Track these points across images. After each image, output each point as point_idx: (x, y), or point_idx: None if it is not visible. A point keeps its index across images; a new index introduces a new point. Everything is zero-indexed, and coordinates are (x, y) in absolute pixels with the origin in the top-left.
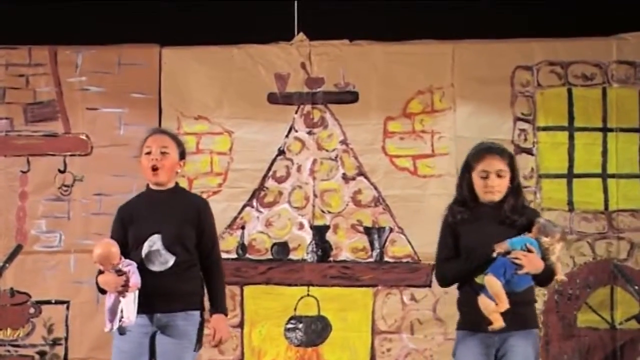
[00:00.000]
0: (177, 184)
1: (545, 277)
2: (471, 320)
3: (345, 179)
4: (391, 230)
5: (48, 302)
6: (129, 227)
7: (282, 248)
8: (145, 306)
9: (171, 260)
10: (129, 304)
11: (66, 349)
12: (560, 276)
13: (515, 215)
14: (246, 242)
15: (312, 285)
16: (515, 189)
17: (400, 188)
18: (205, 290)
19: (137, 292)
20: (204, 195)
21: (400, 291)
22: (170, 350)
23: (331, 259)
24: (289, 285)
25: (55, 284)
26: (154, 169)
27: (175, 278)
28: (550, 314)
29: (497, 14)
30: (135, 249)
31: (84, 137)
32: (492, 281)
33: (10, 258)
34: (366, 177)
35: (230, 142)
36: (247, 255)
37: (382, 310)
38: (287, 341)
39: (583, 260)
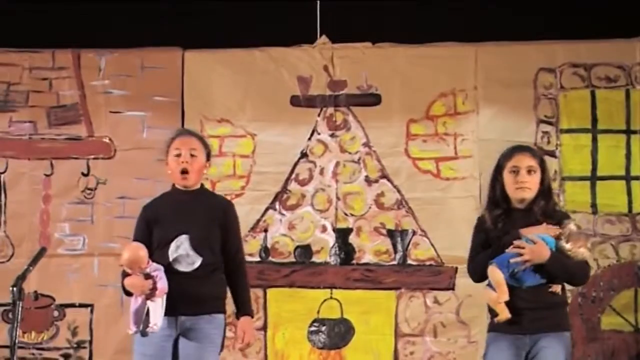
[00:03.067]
0: (202, 185)
1: (560, 271)
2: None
3: (368, 181)
4: (414, 233)
5: (72, 305)
6: (154, 227)
7: (305, 251)
8: (169, 309)
9: (198, 261)
10: (157, 309)
11: (90, 352)
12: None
13: (547, 219)
14: (269, 245)
15: (335, 288)
16: (545, 190)
17: (423, 191)
18: (229, 293)
19: (164, 297)
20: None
21: (424, 294)
22: (193, 353)
23: (354, 261)
24: (312, 288)
25: (79, 287)
26: (185, 172)
27: (201, 281)
28: (574, 316)
29: (520, 16)
30: (161, 249)
31: (107, 140)
32: (494, 271)
33: (34, 261)
34: (389, 180)
35: (253, 145)
36: (270, 258)
37: (405, 313)
38: (310, 344)
39: (607, 262)
